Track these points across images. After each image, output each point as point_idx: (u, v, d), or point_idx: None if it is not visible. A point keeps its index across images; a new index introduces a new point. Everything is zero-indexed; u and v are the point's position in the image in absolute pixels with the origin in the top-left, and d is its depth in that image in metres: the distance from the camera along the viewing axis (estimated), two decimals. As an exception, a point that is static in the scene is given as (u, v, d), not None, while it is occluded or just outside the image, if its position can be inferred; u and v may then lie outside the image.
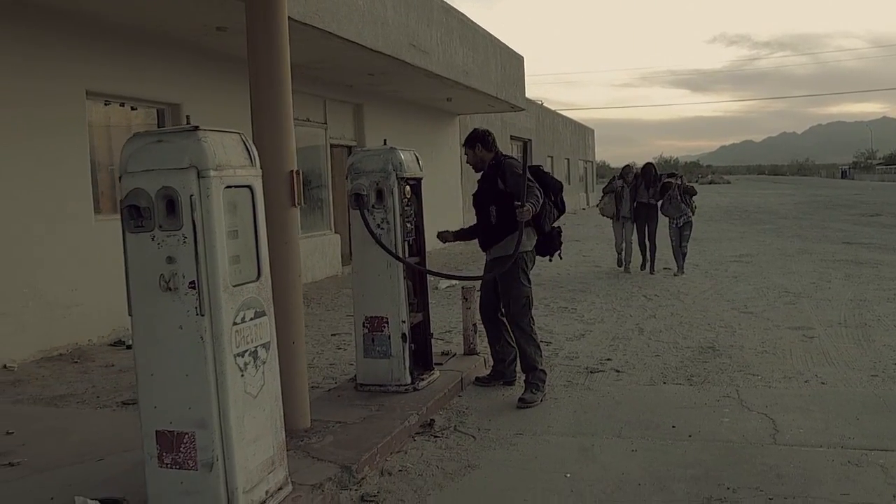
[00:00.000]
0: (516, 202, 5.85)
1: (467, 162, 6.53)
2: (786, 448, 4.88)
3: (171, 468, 3.62)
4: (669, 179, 13.76)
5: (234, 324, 3.61)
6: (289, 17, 8.23)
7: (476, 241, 6.57)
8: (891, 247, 17.49)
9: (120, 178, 3.57)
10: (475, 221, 6.45)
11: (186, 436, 3.58)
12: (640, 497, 4.21)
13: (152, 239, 3.50)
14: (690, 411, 5.70)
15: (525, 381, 6.26)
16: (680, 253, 13.57)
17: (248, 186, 3.77)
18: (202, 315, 3.48)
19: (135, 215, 3.49)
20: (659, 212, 13.85)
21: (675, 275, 13.34)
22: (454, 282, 11.98)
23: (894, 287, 11.43)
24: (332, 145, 15.16)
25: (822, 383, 6.39)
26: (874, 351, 7.46)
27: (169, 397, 3.58)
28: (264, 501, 3.81)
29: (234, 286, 3.61)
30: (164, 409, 3.60)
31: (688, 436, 5.17)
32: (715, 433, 5.21)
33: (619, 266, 14.26)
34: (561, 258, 6.75)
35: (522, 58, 21.37)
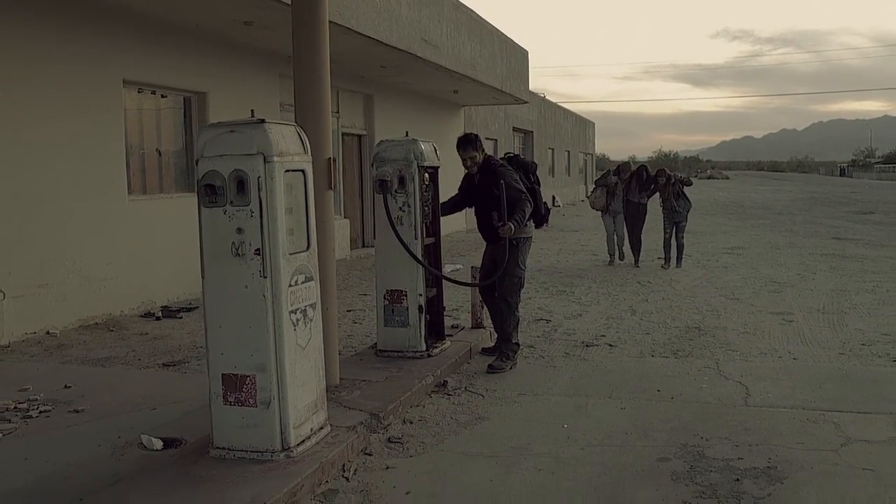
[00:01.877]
0: (498, 223, 6.59)
1: (463, 164, 7.09)
2: (755, 409, 5.61)
3: (233, 405, 4.34)
4: (661, 175, 14.07)
5: (290, 286, 4.32)
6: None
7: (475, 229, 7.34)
8: (878, 242, 18.18)
9: (197, 161, 4.27)
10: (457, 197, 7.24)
11: (248, 378, 4.29)
12: (626, 442, 4.94)
13: (224, 213, 4.20)
14: (674, 379, 6.43)
15: (497, 348, 7.04)
16: (671, 245, 13.75)
17: (302, 170, 4.47)
18: (265, 277, 4.19)
19: (210, 193, 4.19)
20: (647, 211, 14.33)
21: (662, 267, 13.64)
22: (458, 266, 12.75)
23: (874, 279, 12.11)
24: (343, 134, 15.85)
25: (794, 359, 7.12)
26: (845, 333, 8.17)
27: (234, 345, 4.29)
28: (309, 437, 4.52)
29: (290, 254, 4.32)
30: (230, 355, 4.31)
31: (670, 398, 5.90)
32: (694, 396, 5.95)
33: (610, 259, 14.41)
34: (548, 223, 7.82)
35: (527, 52, 22.03)
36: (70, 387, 6.38)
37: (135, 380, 6.76)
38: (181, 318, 9.54)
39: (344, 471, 4.48)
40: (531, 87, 24.05)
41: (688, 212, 14.04)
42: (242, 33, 10.94)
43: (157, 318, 9.53)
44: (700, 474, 4.38)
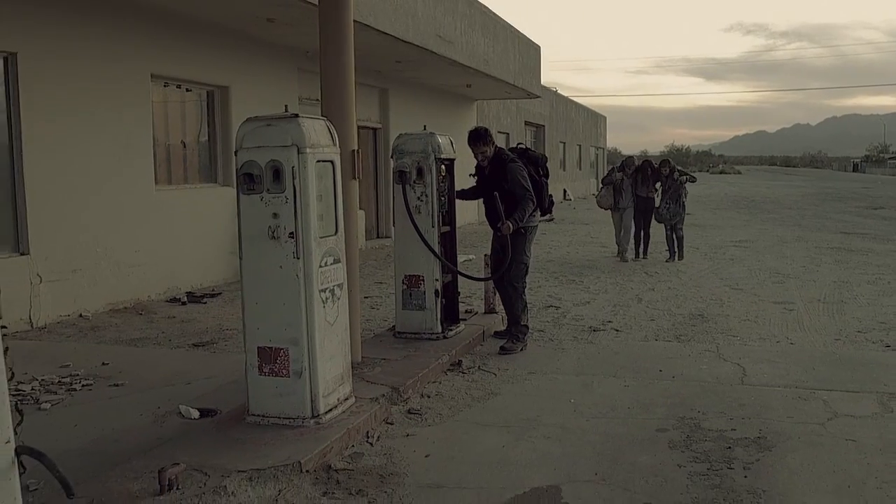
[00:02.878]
0: (497, 224, 7.01)
1: (475, 157, 7.47)
2: (750, 387, 5.99)
3: (268, 376, 4.74)
4: (665, 166, 14.15)
5: (320, 266, 4.72)
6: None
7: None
8: (884, 237, 18.47)
9: (236, 152, 4.67)
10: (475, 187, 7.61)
11: (282, 351, 4.69)
12: (628, 415, 5.33)
13: (261, 199, 4.60)
14: (675, 360, 6.82)
15: (507, 332, 7.42)
16: (674, 239, 13.86)
17: (331, 161, 4.87)
18: (298, 258, 4.59)
19: (248, 181, 4.60)
20: (655, 205, 14.20)
21: (667, 261, 13.71)
22: (471, 256, 13.14)
23: (877, 272, 12.43)
24: (359, 126, 16.18)
25: (791, 343, 7.49)
26: (843, 322, 8.52)
27: (269, 321, 4.70)
28: (336, 406, 4.93)
29: (321, 238, 4.72)
30: (265, 329, 4.71)
31: (671, 377, 6.29)
32: (694, 376, 6.33)
33: (621, 256, 14.25)
34: (552, 213, 8.29)
35: (539, 47, 22.36)
36: (107, 364, 6.80)
37: (167, 358, 7.18)
38: (205, 303, 9.97)
39: (368, 437, 4.89)
40: (543, 81, 24.38)
41: (679, 213, 13.92)
42: (264, 29, 11.34)
43: (183, 303, 9.96)
44: (695, 443, 4.77)
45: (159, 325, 8.68)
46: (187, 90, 11.26)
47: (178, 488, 3.80)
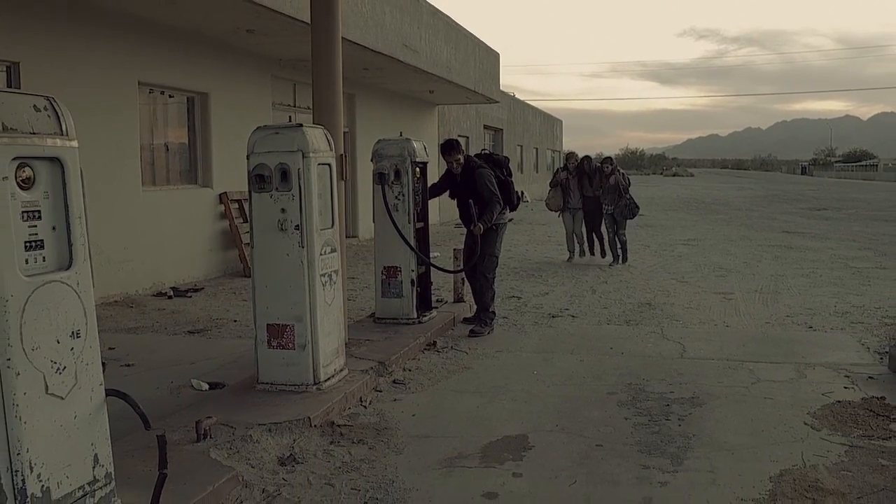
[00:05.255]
0: (471, 226, 7.85)
1: (447, 164, 8.28)
2: (688, 360, 6.90)
3: (276, 349, 5.51)
4: (605, 167, 13.70)
5: (320, 254, 5.50)
6: (303, 22, 10.17)
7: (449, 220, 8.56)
8: (823, 236, 19.64)
9: (248, 156, 5.43)
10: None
11: (288, 327, 5.46)
12: (583, 382, 6.21)
13: (271, 197, 5.37)
14: (625, 340, 7.72)
15: (476, 317, 8.26)
16: (617, 242, 13.62)
17: (328, 164, 5.66)
18: (303, 247, 5.37)
19: (259, 181, 5.36)
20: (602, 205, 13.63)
21: (610, 265, 13.48)
22: (437, 253, 13.93)
23: (812, 267, 13.48)
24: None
25: (727, 326, 8.44)
26: (775, 309, 9.50)
27: (277, 301, 5.46)
28: (333, 375, 5.72)
29: (321, 230, 5.51)
30: (274, 309, 5.48)
31: (620, 353, 7.19)
32: (640, 352, 7.24)
33: (570, 256, 14.26)
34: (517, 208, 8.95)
35: (498, 54, 23.28)
36: (113, 348, 7.47)
37: (168, 343, 7.88)
38: (191, 297, 10.65)
39: (362, 401, 5.68)
40: (501, 84, 25.30)
41: (623, 215, 13.49)
42: (243, 39, 12.05)
43: (169, 297, 10.63)
44: (639, 402, 5.65)
45: (151, 316, 9.35)
46: (170, 96, 11.92)
47: (211, 437, 4.56)
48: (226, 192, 12.57)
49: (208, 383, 6.16)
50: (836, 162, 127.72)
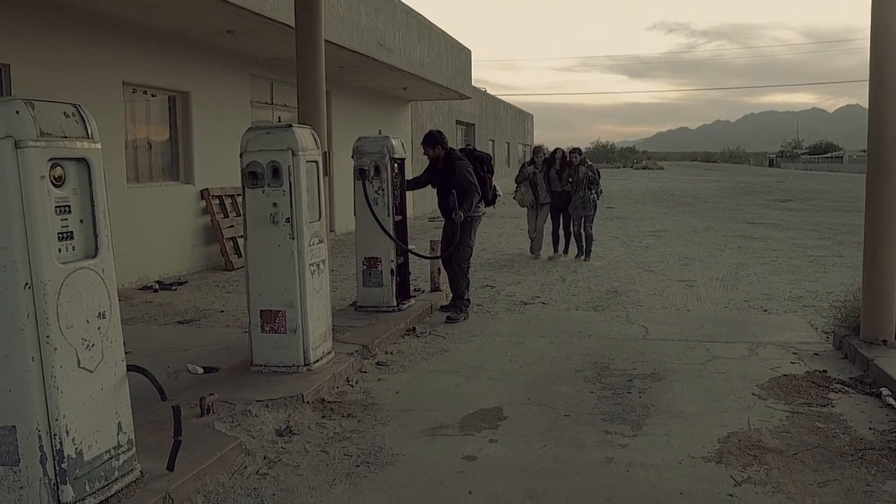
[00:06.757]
0: (451, 214, 8.30)
1: (425, 155, 8.77)
2: (651, 341, 7.44)
3: (269, 333, 5.95)
4: (573, 157, 13.47)
5: (309, 245, 5.94)
6: (282, 23, 10.57)
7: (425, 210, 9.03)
8: (786, 226, 20.33)
9: (241, 154, 5.85)
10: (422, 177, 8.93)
11: (280, 312, 5.90)
12: (553, 362, 6.72)
13: (263, 192, 5.80)
14: (592, 324, 8.25)
15: (452, 305, 8.72)
16: (583, 236, 13.45)
17: (316, 161, 6.10)
18: (293, 239, 5.80)
19: (252, 178, 5.79)
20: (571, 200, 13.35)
21: (576, 258, 13.43)
22: (412, 246, 14.37)
23: (772, 256, 14.10)
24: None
25: (688, 310, 9.00)
26: (734, 294, 10.07)
27: (269, 289, 5.90)
28: (321, 358, 6.17)
29: (309, 222, 5.95)
30: (266, 296, 5.91)
31: (588, 336, 7.71)
32: (607, 334, 7.76)
33: (532, 253, 13.95)
34: (495, 205, 9.40)
35: (470, 51, 23.75)
36: (108, 337, 7.85)
37: (160, 333, 8.27)
38: (175, 290, 11.02)
39: (348, 381, 6.14)
40: (473, 79, 25.76)
41: (590, 206, 13.35)
42: (223, 40, 12.40)
43: (155, 290, 10.99)
44: (604, 378, 6.17)
45: (140, 308, 9.71)
46: (153, 95, 12.26)
47: (213, 412, 5.00)
48: (207, 189, 12.92)
49: (203, 367, 6.57)
50: (802, 154, 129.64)
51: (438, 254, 9.09)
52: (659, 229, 19.34)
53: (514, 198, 14.48)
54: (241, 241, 13.14)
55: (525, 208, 14.16)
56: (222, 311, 9.18)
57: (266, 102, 15.31)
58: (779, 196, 35.39)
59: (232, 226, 13.14)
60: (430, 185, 8.89)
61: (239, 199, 13.47)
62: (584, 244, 13.49)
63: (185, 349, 7.34)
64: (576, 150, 13.79)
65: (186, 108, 12.71)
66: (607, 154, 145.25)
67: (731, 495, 4.03)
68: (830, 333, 7.40)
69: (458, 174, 8.34)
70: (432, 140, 8.54)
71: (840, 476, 4.24)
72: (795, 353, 6.86)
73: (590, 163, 13.74)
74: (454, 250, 8.55)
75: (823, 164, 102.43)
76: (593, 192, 13.40)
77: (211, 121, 12.87)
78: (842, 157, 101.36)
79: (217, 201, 13.14)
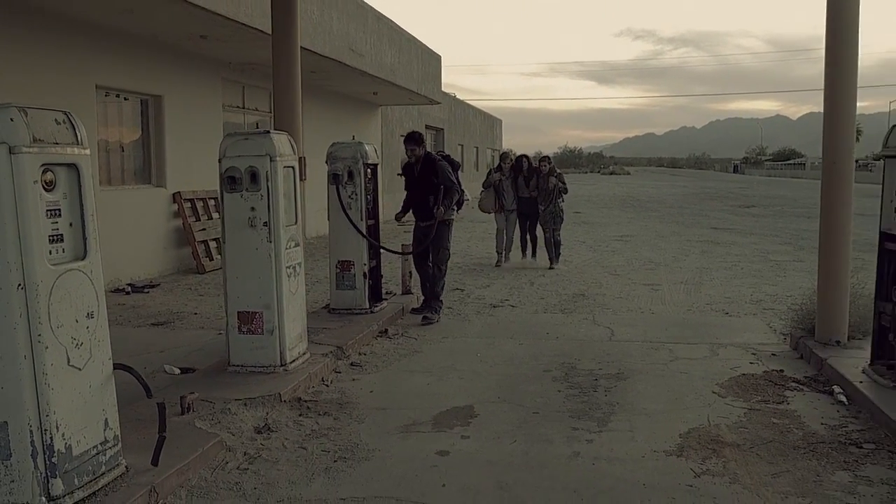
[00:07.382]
0: (434, 211, 8.53)
1: (407, 154, 9.00)
2: (616, 343, 7.68)
3: (246, 334, 6.10)
4: (543, 165, 13.43)
5: (286, 248, 6.10)
6: (256, 29, 10.70)
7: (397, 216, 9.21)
8: (749, 231, 20.77)
9: (220, 160, 6.00)
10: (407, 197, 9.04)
11: (257, 314, 6.05)
12: (522, 363, 6.94)
13: (241, 196, 5.95)
14: (560, 326, 8.48)
15: (427, 305, 8.90)
16: (553, 243, 13.38)
17: (292, 167, 6.26)
18: (270, 242, 5.96)
19: (231, 182, 5.94)
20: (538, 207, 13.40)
21: (549, 267, 13.17)
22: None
23: (735, 260, 14.46)
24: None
25: (652, 313, 9.27)
26: (697, 298, 10.36)
27: (247, 290, 6.05)
28: (297, 358, 6.32)
29: (286, 226, 6.10)
30: (244, 297, 6.06)
31: (556, 337, 7.94)
32: (574, 336, 7.99)
33: (499, 260, 13.78)
34: (461, 208, 9.61)
35: (440, 57, 23.98)
36: (83, 339, 7.93)
37: (135, 334, 8.36)
38: (148, 292, 11.09)
39: (324, 381, 6.30)
40: (442, 84, 25.97)
41: (558, 215, 13.49)
42: (196, 44, 12.50)
43: (127, 293, 11.05)
44: (571, 377, 6.40)
45: (113, 310, 9.73)
46: (125, 98, 12.31)
47: (194, 410, 5.14)
48: (179, 192, 12.99)
49: (180, 368, 6.69)
50: (766, 160, 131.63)
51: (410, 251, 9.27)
52: (625, 234, 19.67)
53: (478, 203, 14.57)
54: (213, 245, 13.25)
55: (489, 214, 14.17)
56: (196, 314, 9.29)
57: (238, 106, 15.41)
58: (743, 202, 36.01)
59: (204, 229, 13.23)
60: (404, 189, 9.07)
61: (211, 203, 13.61)
62: (553, 250, 13.50)
63: (160, 350, 7.46)
64: (545, 158, 13.81)
65: (159, 112, 12.78)
66: (575, 159, 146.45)
67: (691, 486, 4.26)
68: (788, 335, 7.69)
69: (440, 174, 8.56)
70: (418, 139, 8.78)
71: (793, 468, 4.49)
72: (754, 354, 7.14)
73: (559, 171, 13.82)
74: (433, 253, 8.73)
75: (787, 170, 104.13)
76: (563, 200, 13.61)
77: (183, 124, 12.95)
78: (804, 164, 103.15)
79: (189, 204, 13.22)
